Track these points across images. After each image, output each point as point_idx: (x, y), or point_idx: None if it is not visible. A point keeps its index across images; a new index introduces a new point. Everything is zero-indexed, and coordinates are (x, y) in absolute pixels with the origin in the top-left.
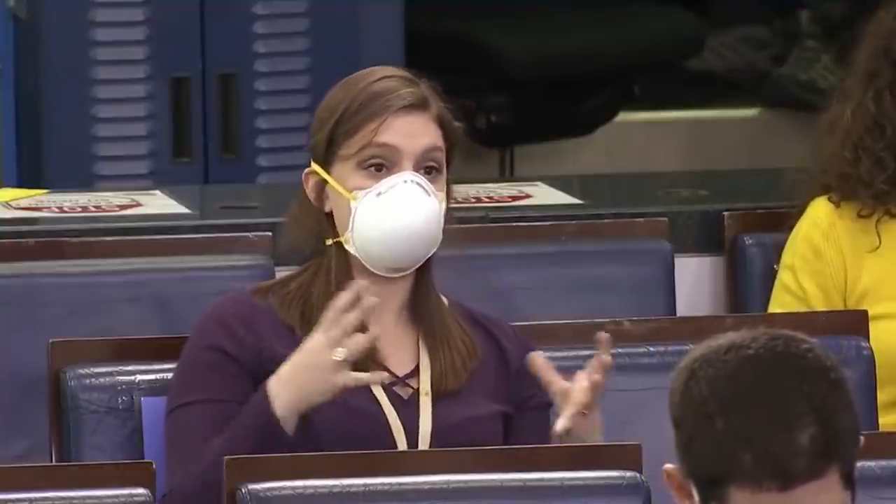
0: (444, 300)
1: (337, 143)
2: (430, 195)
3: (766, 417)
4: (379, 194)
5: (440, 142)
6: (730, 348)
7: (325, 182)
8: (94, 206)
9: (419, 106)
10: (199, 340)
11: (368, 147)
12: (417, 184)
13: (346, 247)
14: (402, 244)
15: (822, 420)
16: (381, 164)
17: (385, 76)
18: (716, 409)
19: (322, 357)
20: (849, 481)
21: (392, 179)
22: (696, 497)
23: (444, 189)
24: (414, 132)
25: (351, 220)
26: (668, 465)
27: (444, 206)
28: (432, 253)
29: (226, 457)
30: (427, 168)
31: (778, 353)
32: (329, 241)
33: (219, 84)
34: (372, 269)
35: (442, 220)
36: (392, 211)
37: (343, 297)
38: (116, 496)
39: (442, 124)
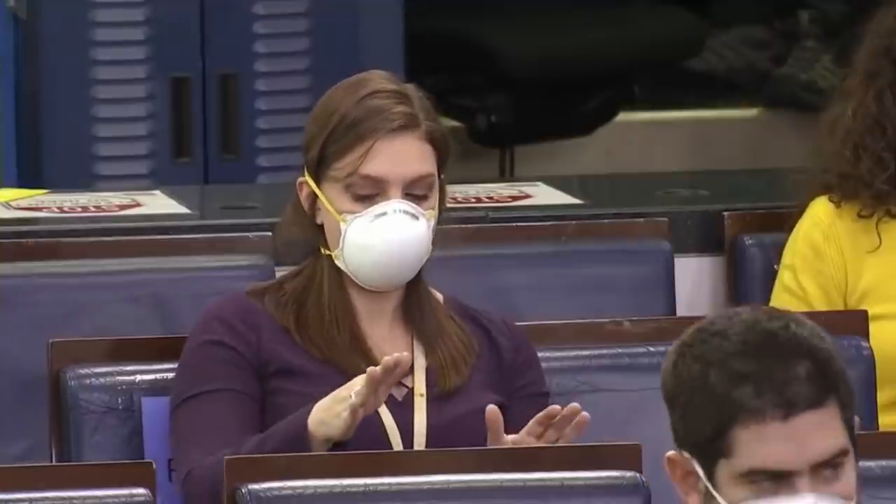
0: (439, 296)
1: (326, 163)
2: (418, 218)
3: (758, 358)
4: (368, 221)
5: (430, 165)
6: (714, 323)
7: (316, 194)
8: (94, 206)
9: (408, 126)
10: (201, 337)
11: (355, 176)
12: (405, 211)
13: (337, 262)
14: (391, 268)
15: (816, 360)
16: (369, 191)
17: (376, 91)
18: (708, 365)
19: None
20: (850, 431)
21: (380, 207)
22: (700, 471)
23: (436, 202)
24: (402, 159)
25: (341, 240)
26: (670, 452)
27: (433, 222)
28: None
29: (226, 457)
30: (416, 190)
31: (765, 317)
32: (323, 252)
33: (219, 84)
34: (362, 286)
35: (431, 234)
36: (381, 238)
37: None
38: (116, 496)
39: (432, 140)
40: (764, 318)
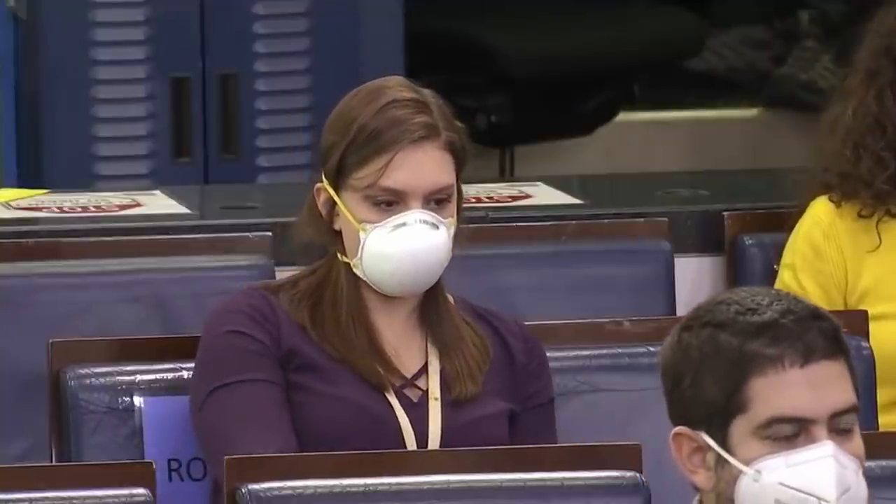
0: (451, 298)
1: (346, 172)
2: (438, 227)
3: (773, 317)
4: (387, 231)
5: (449, 175)
6: (713, 300)
7: (335, 201)
8: (94, 206)
9: (429, 137)
10: (222, 328)
11: (375, 187)
12: (425, 221)
13: (355, 270)
14: (410, 277)
15: (828, 323)
16: (389, 202)
17: (396, 100)
18: (718, 328)
19: None
20: (857, 395)
21: (400, 217)
22: (711, 441)
23: (454, 210)
24: (423, 169)
25: (360, 249)
26: (678, 428)
27: (453, 229)
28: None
29: (226, 457)
30: (436, 200)
31: (773, 290)
32: (340, 257)
33: (219, 84)
34: (380, 292)
35: (451, 242)
36: (400, 249)
37: None
38: (116, 496)
39: (452, 149)
40: (772, 290)
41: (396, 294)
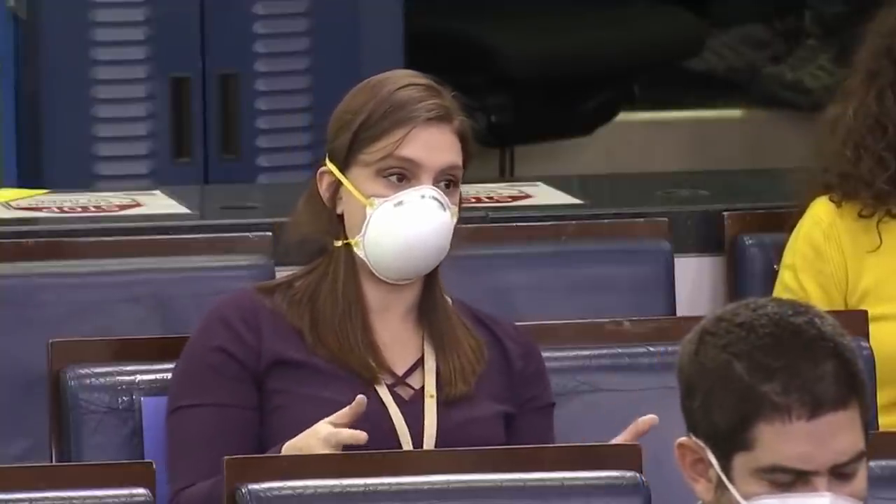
0: (449, 300)
1: (358, 148)
2: (445, 209)
3: (786, 354)
4: (396, 205)
5: (459, 158)
6: (738, 314)
7: (339, 183)
8: (94, 206)
9: (443, 118)
10: (202, 340)
11: (390, 158)
12: (434, 198)
13: (356, 251)
14: (412, 256)
15: (842, 359)
16: (401, 175)
17: (411, 83)
18: (733, 357)
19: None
20: (867, 432)
21: (410, 193)
22: (715, 462)
23: (459, 201)
24: (436, 146)
25: (364, 225)
26: (682, 438)
27: (455, 218)
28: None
29: (226, 457)
30: (445, 181)
31: (790, 311)
32: (338, 243)
33: (219, 84)
34: (379, 276)
35: (452, 231)
36: (407, 223)
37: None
38: (116, 496)
39: (462, 138)
40: (789, 311)
41: (394, 276)
